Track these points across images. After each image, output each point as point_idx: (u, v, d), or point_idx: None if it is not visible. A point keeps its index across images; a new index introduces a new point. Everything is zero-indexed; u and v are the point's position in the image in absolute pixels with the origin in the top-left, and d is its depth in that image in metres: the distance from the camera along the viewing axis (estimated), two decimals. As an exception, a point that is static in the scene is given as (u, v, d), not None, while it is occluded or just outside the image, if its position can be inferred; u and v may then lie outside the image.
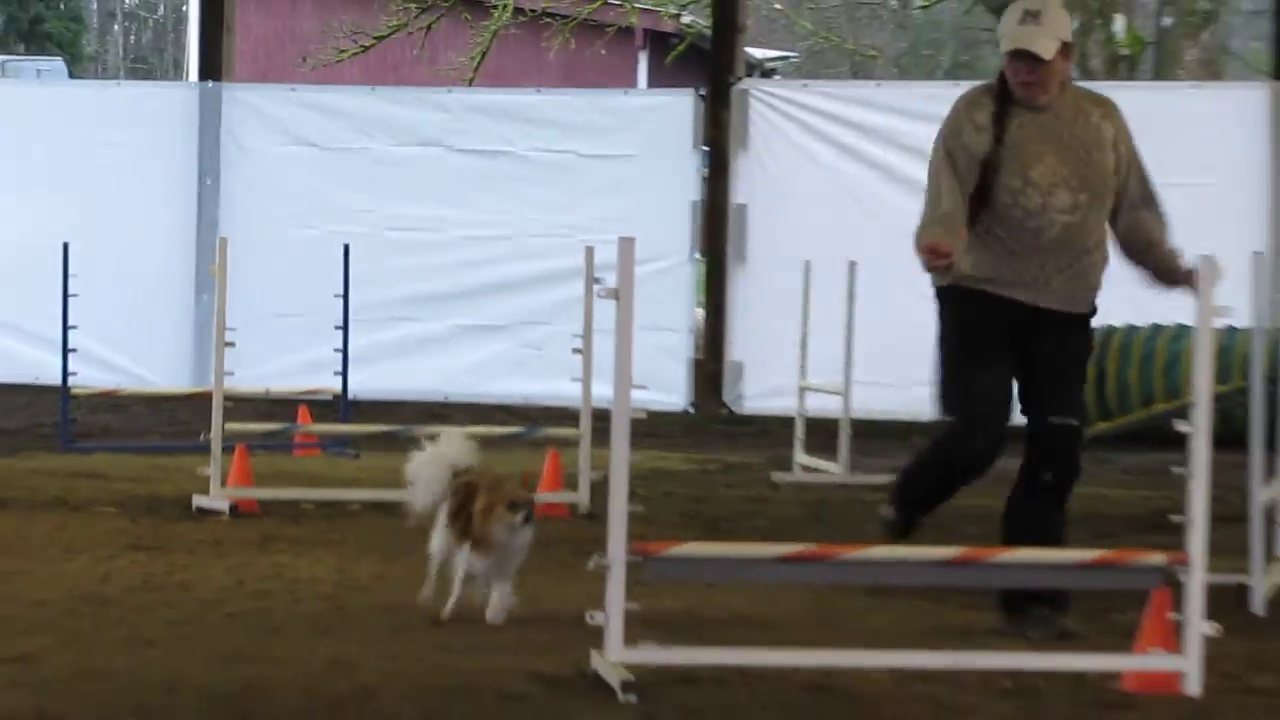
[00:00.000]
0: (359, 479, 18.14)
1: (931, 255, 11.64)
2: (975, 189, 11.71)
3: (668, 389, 25.79)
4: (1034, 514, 12.22)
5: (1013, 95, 11.80)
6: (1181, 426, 10.48)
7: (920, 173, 25.84)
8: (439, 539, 12.09)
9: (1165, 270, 11.97)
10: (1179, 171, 25.24)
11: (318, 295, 23.91)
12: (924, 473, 12.86)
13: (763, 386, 25.29)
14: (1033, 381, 12.02)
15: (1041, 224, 11.47)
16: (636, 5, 40.10)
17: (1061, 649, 10.99)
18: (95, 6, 59.03)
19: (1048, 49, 11.55)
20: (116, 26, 60.23)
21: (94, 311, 23.31)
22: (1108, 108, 12.05)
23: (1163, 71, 35.51)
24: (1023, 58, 11.57)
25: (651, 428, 21.12)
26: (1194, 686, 10.18)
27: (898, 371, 23.69)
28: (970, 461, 12.16)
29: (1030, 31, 11.61)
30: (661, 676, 10.02)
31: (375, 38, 36.14)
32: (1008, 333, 11.87)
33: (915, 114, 26.55)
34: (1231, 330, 18.86)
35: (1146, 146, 25.61)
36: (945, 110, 26.87)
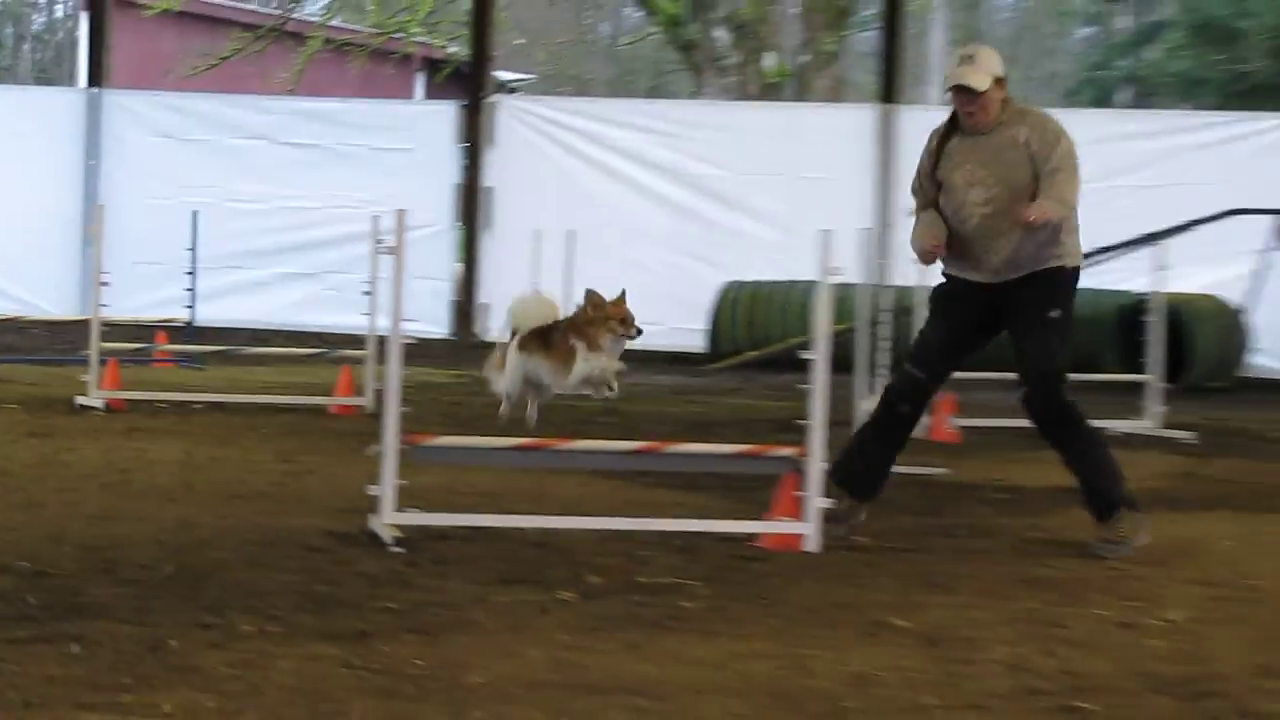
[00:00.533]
0: (203, 385, 18.08)
1: (924, 254, 11.54)
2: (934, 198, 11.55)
3: (434, 322, 25.96)
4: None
5: (959, 123, 11.65)
6: (806, 355, 10.66)
7: (622, 166, 26.28)
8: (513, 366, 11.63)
9: None
10: (811, 169, 25.57)
11: (174, 248, 24.48)
12: (864, 430, 11.92)
13: (504, 319, 25.40)
14: (1013, 342, 11.48)
15: (963, 217, 11.34)
16: (414, 40, 40.19)
17: (715, 516, 11.06)
18: (10, 30, 59.37)
19: (981, 82, 11.20)
20: (25, 46, 60.21)
21: (5, 257, 24.50)
22: (1031, 117, 11.47)
23: (801, 95, 35.68)
24: (961, 91, 11.27)
25: (421, 350, 21.15)
26: (812, 545, 10.35)
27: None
28: (901, 386, 11.63)
29: (966, 70, 11.40)
30: (422, 534, 10.11)
31: (220, 58, 36.12)
32: (971, 305, 11.50)
33: (621, 124, 27.10)
34: (846, 285, 19.03)
35: (789, 151, 25.99)
36: (643, 121, 27.17)
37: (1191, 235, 22.05)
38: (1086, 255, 21.44)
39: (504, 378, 11.33)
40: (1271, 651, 8.14)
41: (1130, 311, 21.03)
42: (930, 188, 11.49)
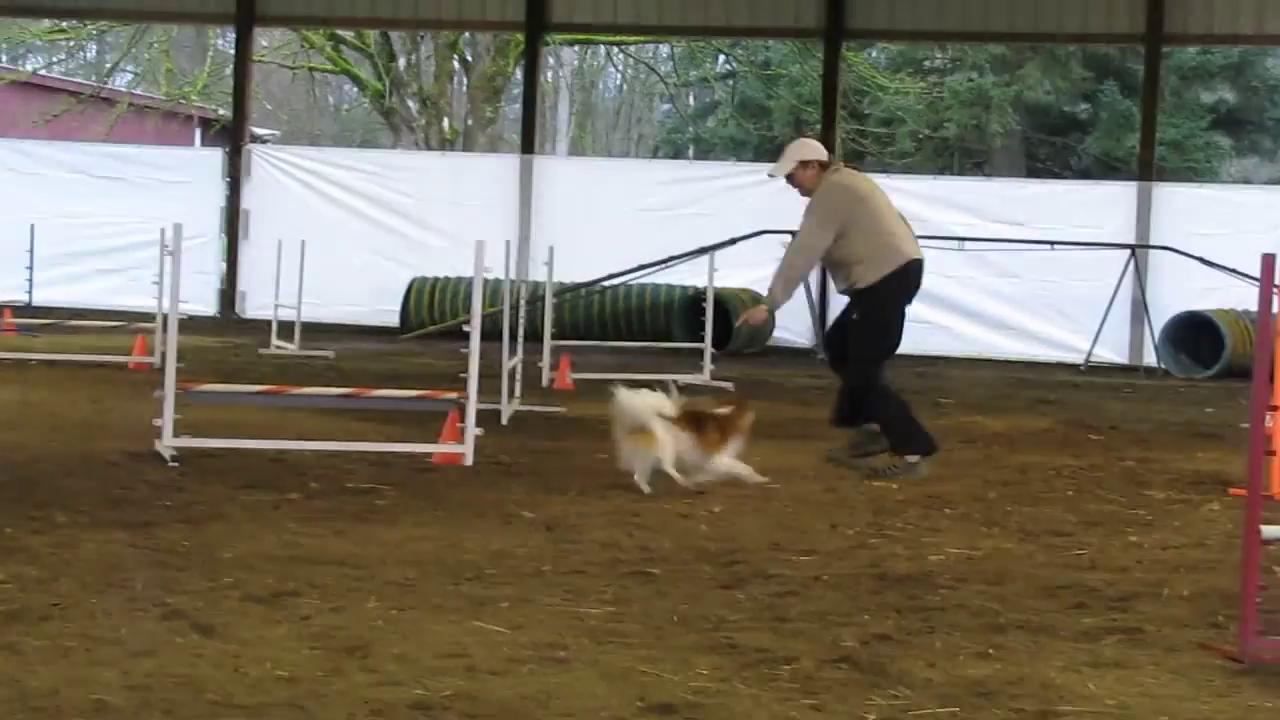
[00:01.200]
0: (38, 348, 17.53)
1: None
2: None
3: (205, 304, 25.47)
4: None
5: None
6: (467, 329, 10.63)
7: (341, 196, 25.94)
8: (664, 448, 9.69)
9: None
10: (474, 198, 25.57)
11: (17, 249, 23.72)
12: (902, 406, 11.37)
13: (256, 303, 24.99)
14: None
15: None
16: (194, 104, 39.61)
17: (402, 440, 10.98)
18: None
19: (781, 170, 11.11)
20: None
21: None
22: (821, 186, 11.01)
23: (468, 146, 35.62)
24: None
25: (194, 325, 20.74)
26: (470, 460, 10.33)
27: (328, 297, 23.74)
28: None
29: (775, 165, 11.27)
30: (192, 454, 9.92)
31: (54, 115, 35.11)
32: None
33: (341, 166, 26.94)
34: (496, 280, 19.00)
35: (459, 186, 25.80)
36: (357, 164, 26.79)
37: (736, 248, 22.36)
38: (662, 261, 21.74)
39: (662, 449, 9.29)
40: (781, 533, 8.26)
41: (693, 300, 21.30)
42: None
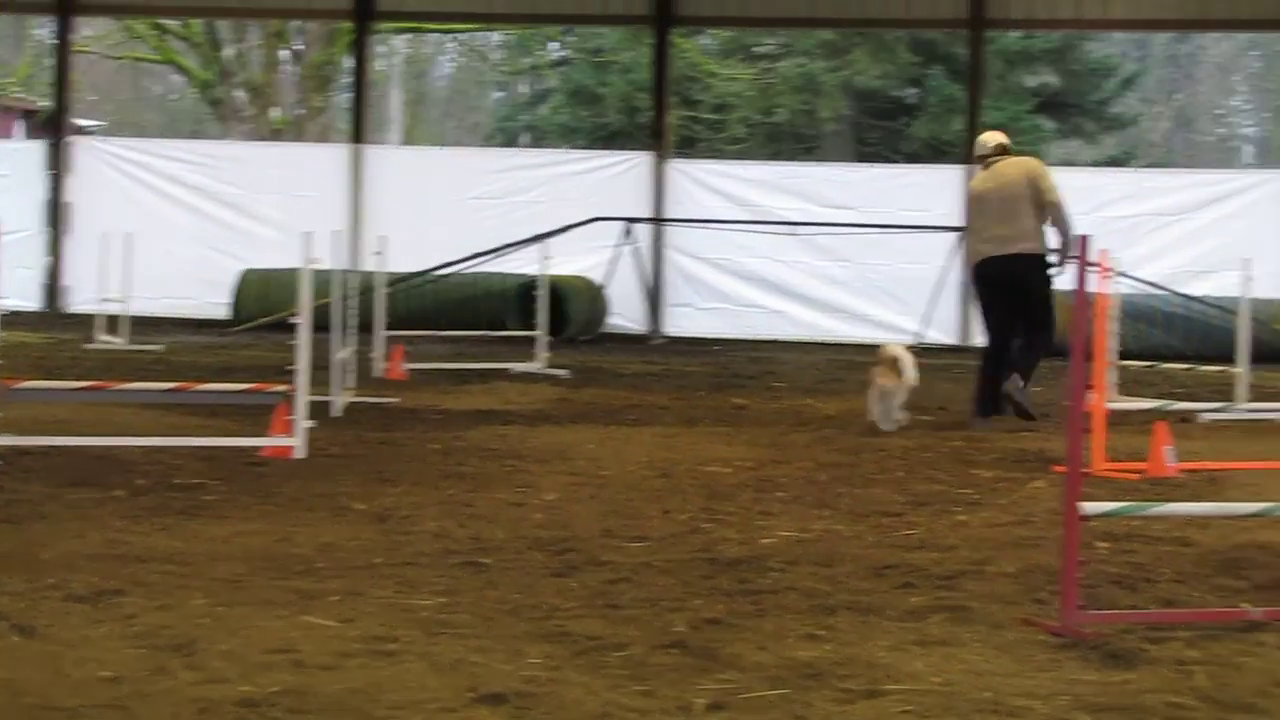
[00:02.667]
0: None
1: None
2: None
3: (28, 299, 25.08)
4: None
5: None
6: (294, 321, 10.54)
7: (167, 187, 25.57)
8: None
9: None
10: (304, 189, 25.31)
11: None
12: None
13: (82, 298, 24.61)
14: None
15: None
16: (15, 96, 38.85)
17: (230, 435, 10.84)
18: None
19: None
20: None
21: None
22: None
23: (298, 137, 35.23)
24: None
25: (18, 319, 20.42)
26: (300, 453, 10.24)
27: (157, 290, 23.42)
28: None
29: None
30: (14, 452, 9.70)
31: None
32: None
33: (167, 157, 26.62)
34: (326, 271, 18.76)
35: (289, 177, 25.54)
36: (183, 155, 26.47)
37: (568, 235, 22.37)
38: (495, 250, 21.67)
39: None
40: (613, 519, 8.26)
41: (526, 287, 21.27)
42: None
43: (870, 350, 22.19)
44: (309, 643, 5.54)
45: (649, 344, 23.45)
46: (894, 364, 12.42)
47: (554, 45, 43.73)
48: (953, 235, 23.27)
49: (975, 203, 13.14)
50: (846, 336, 24.08)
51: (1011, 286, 12.81)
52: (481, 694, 4.95)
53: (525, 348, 18.21)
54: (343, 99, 40.11)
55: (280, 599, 6.22)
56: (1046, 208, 12.85)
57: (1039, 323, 12.95)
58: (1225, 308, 20.35)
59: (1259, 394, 15.43)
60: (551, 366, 17.32)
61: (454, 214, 24.89)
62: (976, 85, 25.74)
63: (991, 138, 13.42)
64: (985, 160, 13.20)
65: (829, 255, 24.35)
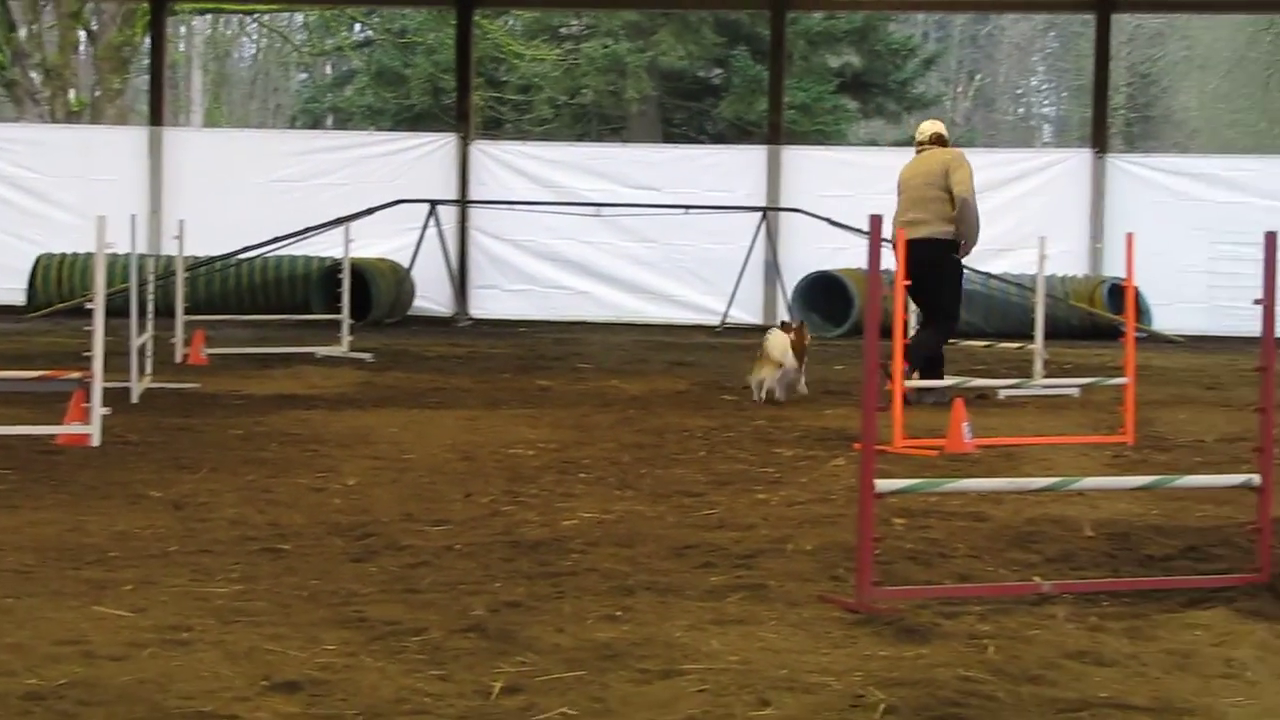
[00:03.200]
0: None
1: None
2: None
3: None
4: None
5: None
6: (89, 306, 10.34)
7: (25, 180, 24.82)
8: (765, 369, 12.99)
9: None
10: (102, 172, 24.85)
11: None
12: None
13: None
14: None
15: None
16: None
17: (25, 423, 10.60)
18: None
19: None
20: None
21: None
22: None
23: (96, 119, 34.54)
24: None
25: None
26: (96, 441, 10.06)
27: None
28: None
29: None
30: None
31: None
32: None
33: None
34: (122, 255, 18.43)
35: (85, 161, 25.01)
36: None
37: (373, 218, 22.20)
38: (298, 233, 21.45)
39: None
40: (414, 503, 8.23)
41: (330, 270, 21.10)
42: None
43: (677, 330, 22.36)
44: (100, 633, 5.45)
45: (455, 326, 23.36)
46: (767, 355, 13.04)
47: (358, 27, 43.31)
48: (756, 215, 23.47)
49: (899, 188, 13.56)
50: (653, 317, 24.18)
51: (918, 270, 12.84)
52: (275, 682, 4.90)
53: (330, 331, 18.06)
54: (141, 81, 39.47)
55: (71, 589, 6.11)
56: (955, 199, 13.14)
57: (941, 308, 13.32)
58: (1024, 285, 20.74)
59: (1055, 370, 15.76)
60: (356, 350, 17.18)
61: (257, 197, 24.57)
62: (778, 66, 25.93)
63: (930, 127, 13.87)
64: (919, 147, 13.69)
65: (635, 236, 24.41)
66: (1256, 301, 6.61)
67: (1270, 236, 6.64)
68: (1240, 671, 5.18)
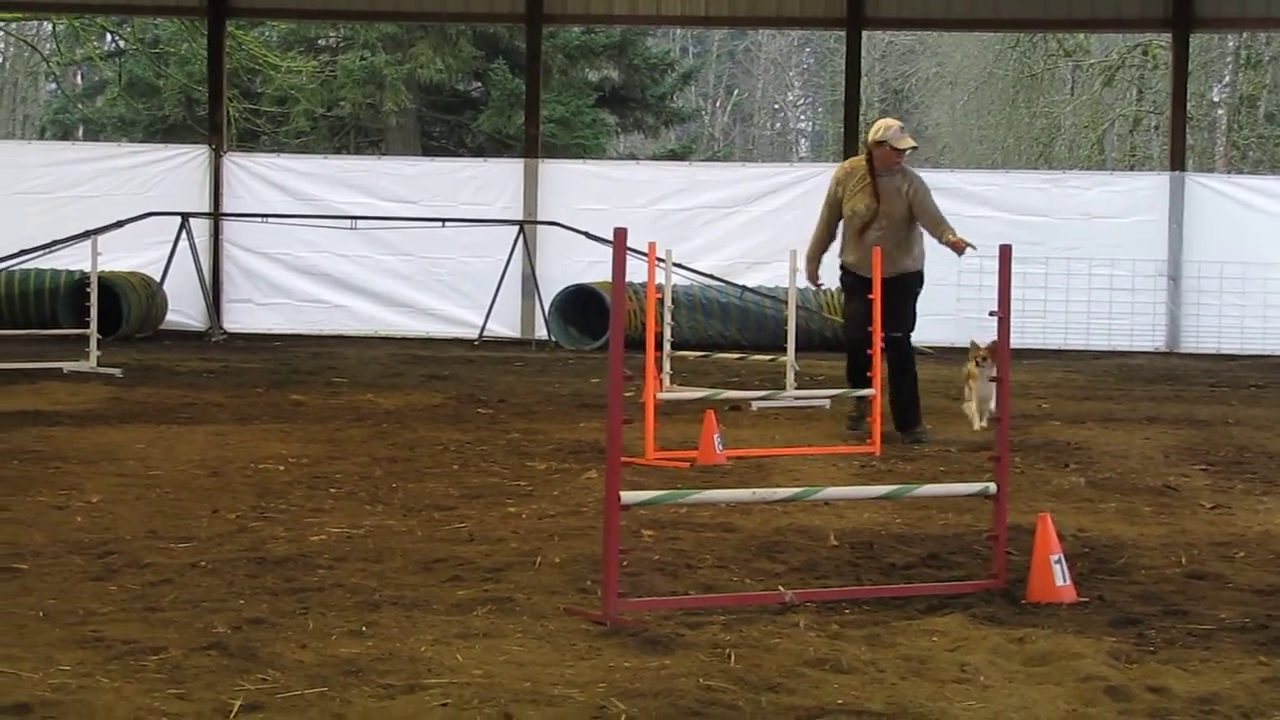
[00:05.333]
0: None
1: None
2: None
3: None
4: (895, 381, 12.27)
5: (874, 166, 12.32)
6: None
7: None
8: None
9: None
10: None
11: None
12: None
13: None
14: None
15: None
16: None
17: None
18: None
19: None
20: None
21: None
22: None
23: None
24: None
25: None
26: None
27: None
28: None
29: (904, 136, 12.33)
30: None
31: None
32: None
33: None
34: None
35: None
36: None
37: (124, 231, 21.78)
38: (45, 246, 20.97)
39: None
40: (159, 520, 8.09)
41: (79, 284, 20.66)
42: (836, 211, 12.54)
43: (434, 344, 22.25)
44: None
45: (208, 341, 23.01)
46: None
47: (110, 37, 42.47)
48: (513, 229, 23.48)
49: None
50: (410, 331, 24.08)
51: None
52: (6, 704, 4.78)
53: (78, 346, 17.68)
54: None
55: None
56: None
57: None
58: (777, 297, 21.02)
59: (806, 382, 16.00)
60: (104, 365, 16.84)
61: (2, 209, 23.95)
62: (535, 80, 25.98)
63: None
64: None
65: (391, 249, 24.27)
66: (991, 313, 6.79)
67: (1004, 250, 6.83)
68: (974, 676, 5.30)
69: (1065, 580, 6.48)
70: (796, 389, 14.53)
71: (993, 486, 6.78)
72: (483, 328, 23.28)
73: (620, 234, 6.03)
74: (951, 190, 24.53)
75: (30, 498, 8.72)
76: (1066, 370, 20.04)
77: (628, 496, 6.13)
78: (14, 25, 41.20)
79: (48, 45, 44.17)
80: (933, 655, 5.56)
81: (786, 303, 15.37)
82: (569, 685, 5.11)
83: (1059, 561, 6.49)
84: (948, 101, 53.31)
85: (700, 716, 4.79)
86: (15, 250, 21.35)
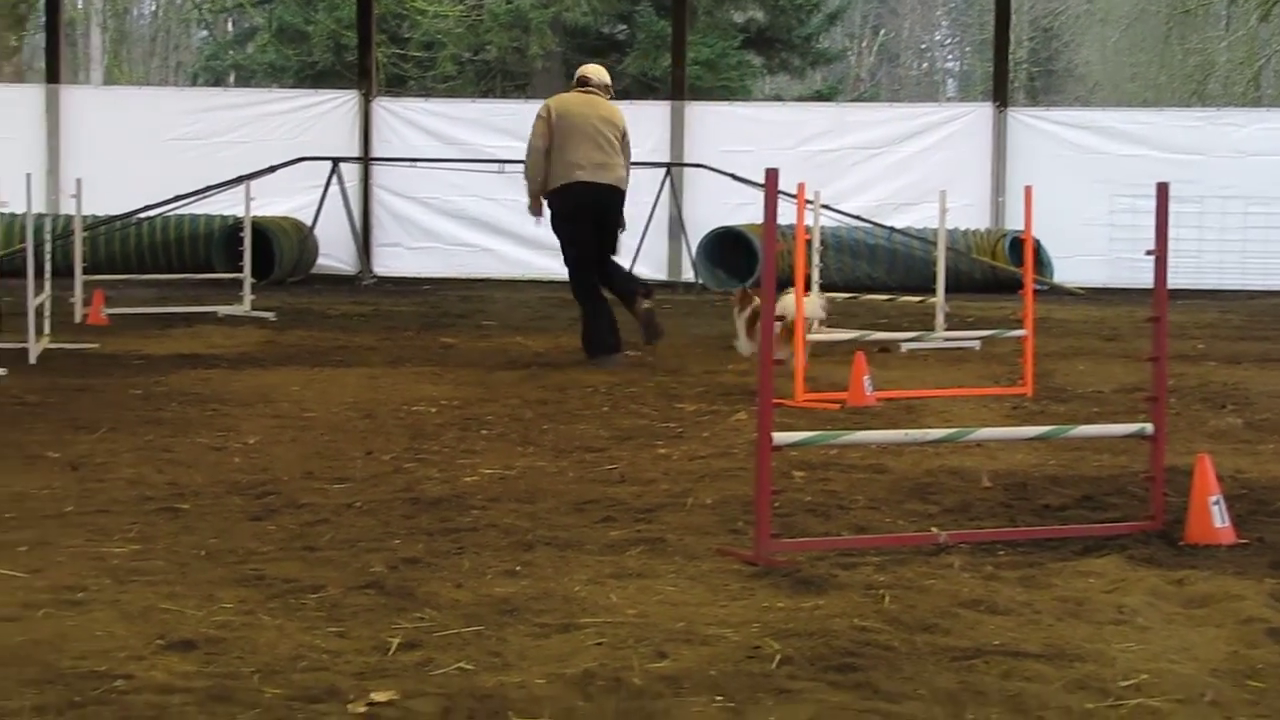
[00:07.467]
0: None
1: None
2: None
3: None
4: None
5: None
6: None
7: None
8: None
9: None
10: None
11: None
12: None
13: None
14: None
15: None
16: None
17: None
18: None
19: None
20: None
21: None
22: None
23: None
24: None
25: None
26: (-8, 403, 9.98)
27: None
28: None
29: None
30: None
31: None
32: None
33: None
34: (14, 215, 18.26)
35: None
36: None
37: (275, 176, 22.06)
38: (199, 191, 21.26)
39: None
40: (315, 461, 8.20)
41: (232, 229, 20.91)
42: None
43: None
44: (-7, 595, 5.40)
45: (359, 285, 23.25)
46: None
47: (259, -18, 42.89)
48: (660, 171, 23.45)
49: (561, 121, 12.89)
50: (557, 274, 24.04)
51: (608, 213, 13.03)
52: (171, 641, 4.87)
53: (232, 291, 17.92)
54: (39, 38, 38.92)
55: (-35, 552, 6.05)
56: (626, 154, 13.20)
57: (614, 251, 13.29)
58: (925, 239, 20.86)
59: (956, 323, 15.87)
60: (258, 309, 17.07)
61: (157, 155, 24.28)
62: (681, 21, 25.91)
63: (604, 75, 13.42)
64: (587, 90, 13.20)
65: (538, 193, 24.33)
66: (1149, 253, 6.69)
67: (1161, 187, 6.71)
68: (1131, 618, 5.24)
69: (1224, 521, 6.39)
70: (946, 330, 14.41)
71: (1149, 427, 6.69)
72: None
73: (772, 175, 6.00)
74: (1103, 129, 24.21)
75: (190, 439, 8.87)
76: (1222, 311, 19.70)
77: (780, 438, 6.12)
78: (166, -26, 41.71)
79: (199, -8, 44.71)
80: (1089, 597, 5.50)
81: (935, 244, 15.24)
82: (723, 625, 5.12)
83: (1217, 503, 6.40)
84: (1098, 39, 52.48)
85: (855, 657, 4.78)
86: (170, 196, 21.66)
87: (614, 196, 12.92)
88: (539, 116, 12.80)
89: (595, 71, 13.30)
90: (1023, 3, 52.62)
